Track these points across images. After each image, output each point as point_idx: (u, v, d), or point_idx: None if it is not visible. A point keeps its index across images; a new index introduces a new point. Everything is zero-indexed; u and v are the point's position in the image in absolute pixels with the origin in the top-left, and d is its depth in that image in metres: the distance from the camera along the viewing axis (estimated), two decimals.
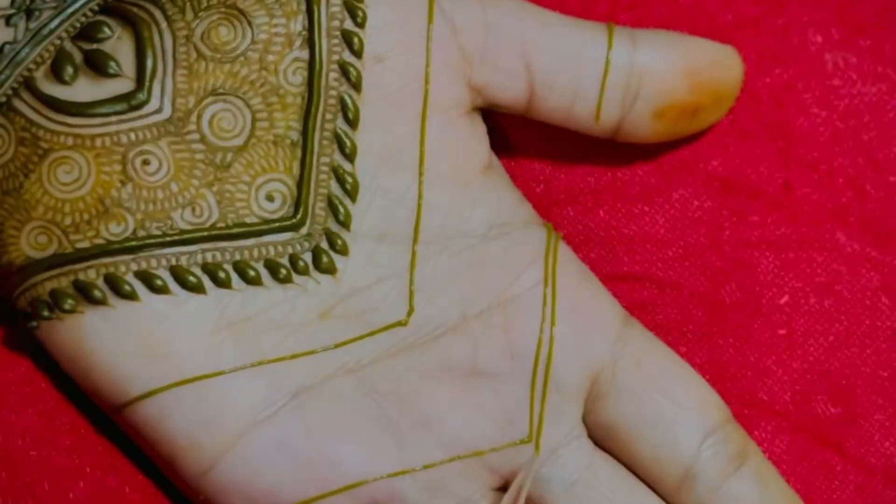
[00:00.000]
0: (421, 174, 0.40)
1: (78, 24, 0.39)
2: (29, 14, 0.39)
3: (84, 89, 0.39)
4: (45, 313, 0.39)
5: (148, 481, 0.41)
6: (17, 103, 0.39)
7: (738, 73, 0.41)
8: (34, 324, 0.39)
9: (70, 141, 0.39)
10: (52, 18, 0.39)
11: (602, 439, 0.41)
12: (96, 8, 0.39)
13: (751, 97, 0.42)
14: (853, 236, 0.42)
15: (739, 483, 0.40)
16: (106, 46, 0.39)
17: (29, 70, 0.39)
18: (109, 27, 0.39)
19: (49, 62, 0.39)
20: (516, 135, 0.43)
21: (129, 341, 0.39)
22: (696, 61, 0.41)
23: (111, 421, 0.41)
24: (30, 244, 0.39)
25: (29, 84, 0.39)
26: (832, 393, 0.41)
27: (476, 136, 0.41)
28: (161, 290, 0.39)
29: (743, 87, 0.42)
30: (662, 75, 0.40)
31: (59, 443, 0.41)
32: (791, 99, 0.42)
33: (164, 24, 0.39)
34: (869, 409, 0.41)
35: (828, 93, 0.42)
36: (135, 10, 0.39)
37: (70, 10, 0.39)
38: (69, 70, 0.39)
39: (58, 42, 0.39)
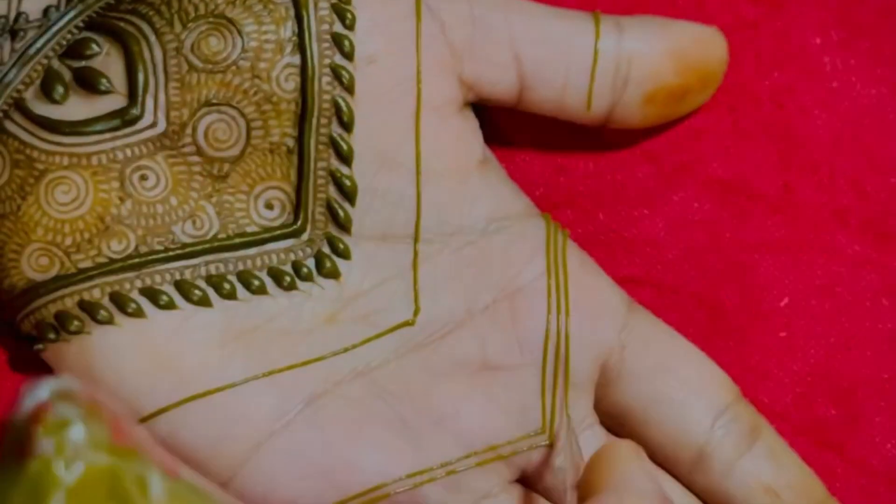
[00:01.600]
0: (418, 173, 0.40)
1: (64, 42, 0.39)
2: (13, 34, 0.38)
3: (76, 107, 0.39)
4: (52, 336, 0.39)
5: None
6: (9, 125, 0.39)
7: (722, 52, 0.41)
8: (41, 346, 0.39)
9: (66, 160, 0.39)
10: (37, 38, 0.39)
11: (615, 426, 0.41)
12: (81, 24, 0.39)
13: (751, 99, 0.42)
14: (854, 238, 0.42)
15: (753, 460, 0.40)
16: (95, 63, 0.39)
17: (18, 91, 0.39)
18: (97, 43, 0.39)
19: (38, 82, 0.39)
20: (515, 138, 0.43)
21: (139, 359, 0.39)
22: (681, 43, 0.40)
23: None
24: (31, 267, 0.39)
25: (20, 105, 0.39)
26: (833, 395, 0.42)
27: (469, 131, 0.41)
28: (167, 305, 0.39)
29: (742, 89, 0.41)
30: (650, 59, 0.40)
31: None
32: (791, 101, 0.42)
33: (152, 38, 0.39)
34: (870, 411, 0.41)
35: (828, 95, 0.42)
36: (121, 24, 0.39)
37: (55, 28, 0.38)
38: (59, 89, 0.39)
39: (45, 61, 0.39)
